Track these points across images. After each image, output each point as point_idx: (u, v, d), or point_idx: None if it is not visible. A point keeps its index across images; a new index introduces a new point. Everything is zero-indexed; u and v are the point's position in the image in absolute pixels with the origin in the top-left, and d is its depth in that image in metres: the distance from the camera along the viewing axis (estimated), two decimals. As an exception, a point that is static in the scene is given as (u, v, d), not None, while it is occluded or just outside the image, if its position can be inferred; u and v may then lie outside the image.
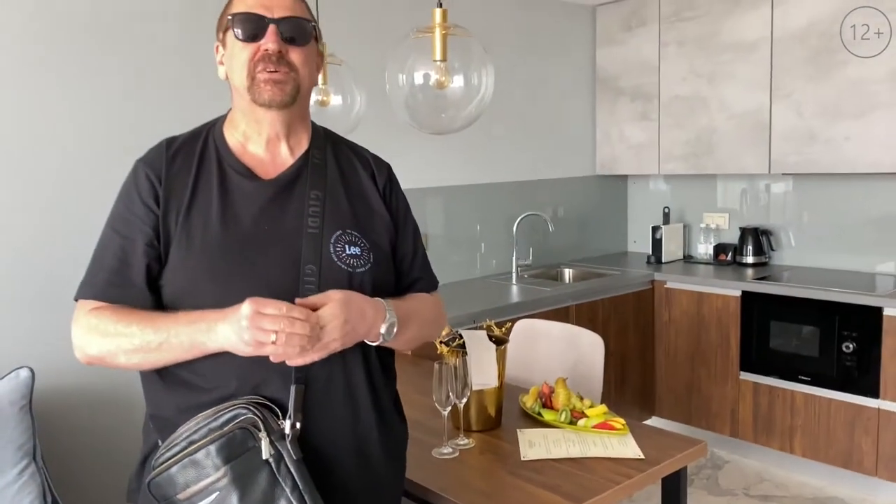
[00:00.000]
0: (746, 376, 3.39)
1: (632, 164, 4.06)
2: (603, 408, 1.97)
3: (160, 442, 1.20)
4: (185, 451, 1.14)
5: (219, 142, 1.28)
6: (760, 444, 3.36)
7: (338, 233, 1.26)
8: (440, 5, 1.97)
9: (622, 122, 4.07)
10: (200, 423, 1.15)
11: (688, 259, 4.09)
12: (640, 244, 4.39)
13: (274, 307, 1.08)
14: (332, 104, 2.36)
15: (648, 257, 4.01)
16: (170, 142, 1.29)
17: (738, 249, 3.82)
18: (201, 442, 1.14)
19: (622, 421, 1.91)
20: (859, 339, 3.01)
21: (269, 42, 1.20)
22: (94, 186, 2.42)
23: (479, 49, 2.00)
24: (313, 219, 1.25)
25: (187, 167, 1.25)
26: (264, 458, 1.13)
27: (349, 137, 1.45)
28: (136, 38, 2.51)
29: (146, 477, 1.18)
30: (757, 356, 3.35)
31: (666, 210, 4.11)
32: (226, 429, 1.13)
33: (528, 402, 2.06)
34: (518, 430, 1.93)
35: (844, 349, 3.05)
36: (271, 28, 1.20)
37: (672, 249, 4.03)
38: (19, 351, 2.25)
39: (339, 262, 1.23)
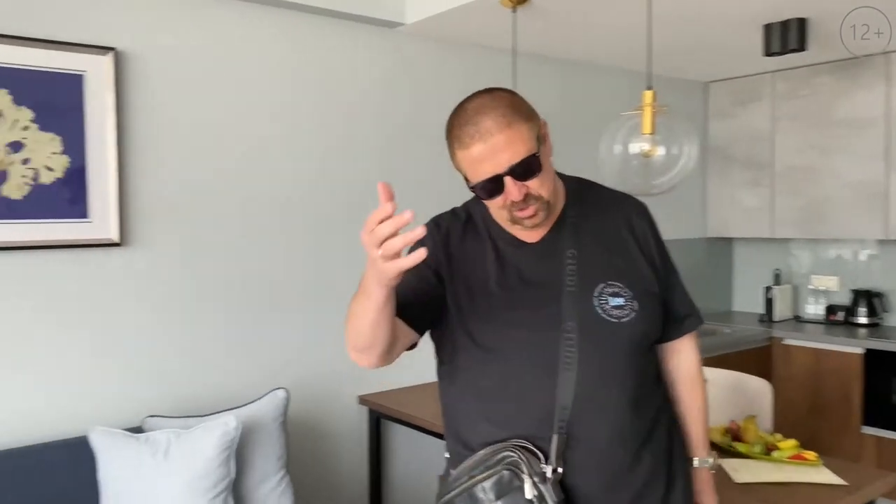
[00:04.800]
0: (868, 430, 3.57)
1: (742, 228, 4.33)
2: (794, 442, 2.20)
3: (451, 472, 1.39)
4: (466, 486, 1.31)
5: (486, 217, 1.41)
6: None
7: (600, 286, 1.34)
8: (650, 88, 2.31)
9: (734, 187, 4.36)
10: (479, 460, 1.32)
11: (798, 319, 4.31)
12: (746, 304, 4.62)
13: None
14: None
15: (761, 316, 4.24)
16: (445, 216, 1.46)
17: (851, 310, 4.03)
18: (478, 477, 1.30)
19: (814, 454, 2.14)
20: None
21: (513, 195, 1.27)
22: (351, 229, 2.80)
23: (683, 124, 2.32)
24: (570, 277, 1.34)
25: (464, 242, 1.40)
26: (527, 497, 1.25)
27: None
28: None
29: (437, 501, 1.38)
30: (880, 411, 3.54)
31: (777, 272, 4.35)
32: (497, 467, 1.28)
33: (717, 436, 2.30)
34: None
35: (972, 405, 3.23)
36: (507, 181, 1.26)
37: (782, 309, 4.26)
38: (275, 373, 2.66)
39: (604, 315, 1.32)
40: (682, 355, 1.54)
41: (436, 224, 1.44)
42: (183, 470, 2.02)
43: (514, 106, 1.27)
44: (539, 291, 1.34)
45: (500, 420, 1.32)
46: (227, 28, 2.60)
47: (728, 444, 2.25)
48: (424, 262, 1.19)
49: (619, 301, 1.33)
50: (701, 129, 4.49)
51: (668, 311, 1.45)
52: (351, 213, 2.90)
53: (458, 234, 1.42)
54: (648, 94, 2.26)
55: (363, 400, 2.94)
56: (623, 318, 1.32)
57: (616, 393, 1.31)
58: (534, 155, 1.27)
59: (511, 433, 1.31)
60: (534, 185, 1.28)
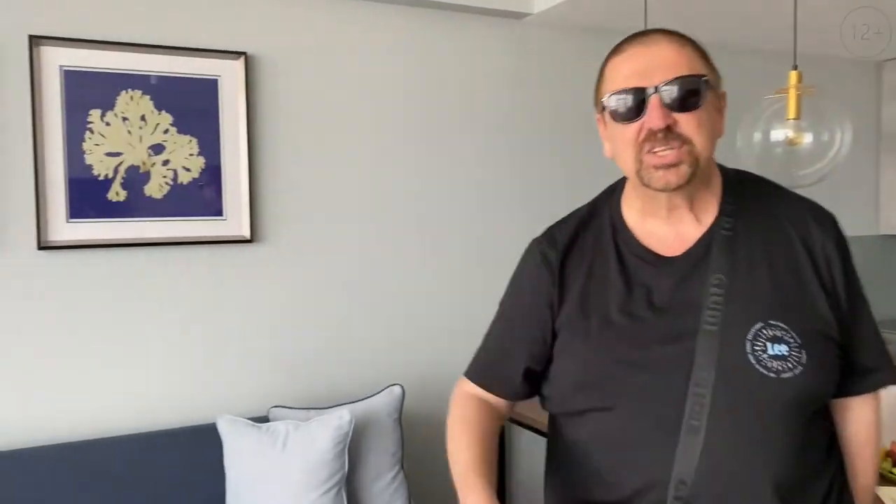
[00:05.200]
0: None
1: (925, 224, 3.83)
2: (970, 472, 1.89)
3: None
4: None
5: (615, 218, 1.14)
6: None
7: (758, 326, 1.00)
8: (795, 68, 2.07)
9: (914, 179, 3.86)
10: None
11: None
12: (929, 309, 4.08)
13: None
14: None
15: (946, 324, 3.73)
16: (562, 224, 1.19)
17: None
18: None
19: None
20: None
21: (653, 120, 0.99)
22: (465, 220, 2.79)
23: (835, 107, 2.06)
24: (713, 312, 1.01)
25: (583, 253, 1.13)
26: None
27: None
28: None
29: None
30: None
31: (967, 273, 3.81)
32: None
33: (875, 460, 2.02)
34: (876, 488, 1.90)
35: None
36: (653, 101, 1.00)
37: (974, 317, 3.71)
38: (393, 369, 2.65)
39: (758, 366, 0.98)
40: (857, 414, 1.15)
41: (549, 243, 1.16)
42: (299, 461, 2.06)
43: (690, 39, 1.06)
44: (671, 324, 1.03)
45: (601, 479, 1.07)
46: (351, 28, 2.64)
47: (888, 470, 1.97)
48: (538, 326, 1.10)
49: (782, 349, 0.99)
50: (874, 113, 4.01)
51: (850, 362, 1.09)
52: (477, 213, 2.86)
53: (574, 244, 1.14)
54: (794, 75, 2.03)
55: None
56: (784, 372, 0.98)
57: (760, 472, 0.98)
58: (698, 77, 1.01)
59: (613, 498, 1.05)
60: (686, 121, 1.00)
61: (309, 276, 2.58)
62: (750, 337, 1.00)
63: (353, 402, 2.30)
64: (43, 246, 2.21)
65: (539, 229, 1.24)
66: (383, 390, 2.33)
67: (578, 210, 1.20)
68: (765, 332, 1.00)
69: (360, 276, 2.66)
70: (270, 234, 2.52)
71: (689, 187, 1.04)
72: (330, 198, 2.62)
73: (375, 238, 2.69)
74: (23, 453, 2.07)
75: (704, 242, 1.07)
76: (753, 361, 0.99)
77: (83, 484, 2.08)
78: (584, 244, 1.14)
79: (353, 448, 2.17)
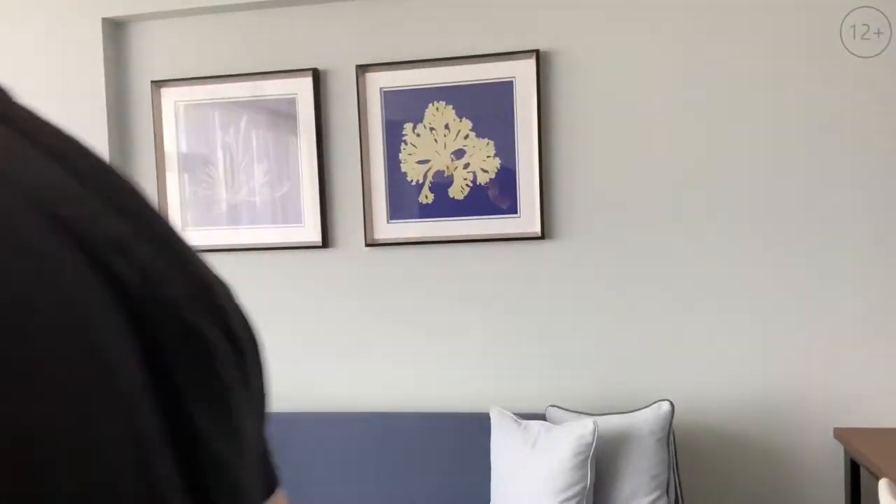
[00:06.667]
0: None
1: None
2: None
3: None
4: None
5: None
6: None
7: None
8: None
9: None
10: None
11: None
12: None
13: None
14: None
15: None
16: None
17: None
18: None
19: None
20: None
21: None
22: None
23: None
24: None
25: None
26: None
27: None
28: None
29: None
30: None
31: None
32: None
33: None
34: None
35: None
36: None
37: None
38: (663, 384, 2.39)
39: None
40: None
41: None
42: (543, 464, 2.02)
43: None
44: None
45: None
46: (644, 18, 2.41)
47: None
48: None
49: None
50: None
51: None
52: (803, 215, 2.33)
53: None
54: None
55: (837, 434, 2.32)
56: None
57: None
58: None
59: None
60: None
61: (598, 276, 2.46)
62: None
63: (621, 413, 2.13)
64: (369, 243, 2.60)
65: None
66: (650, 405, 2.10)
67: None
68: None
69: (651, 280, 2.43)
70: (562, 231, 2.49)
71: None
72: (622, 196, 2.45)
73: (668, 240, 2.42)
74: (342, 416, 2.50)
75: None
76: None
77: (382, 447, 2.40)
78: None
79: (608, 462, 2.02)
